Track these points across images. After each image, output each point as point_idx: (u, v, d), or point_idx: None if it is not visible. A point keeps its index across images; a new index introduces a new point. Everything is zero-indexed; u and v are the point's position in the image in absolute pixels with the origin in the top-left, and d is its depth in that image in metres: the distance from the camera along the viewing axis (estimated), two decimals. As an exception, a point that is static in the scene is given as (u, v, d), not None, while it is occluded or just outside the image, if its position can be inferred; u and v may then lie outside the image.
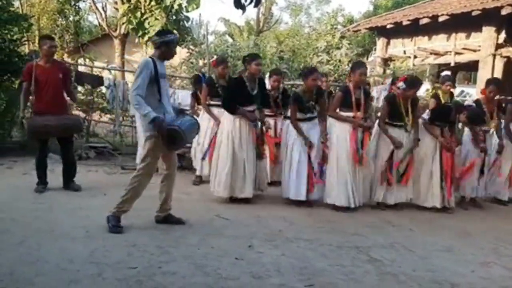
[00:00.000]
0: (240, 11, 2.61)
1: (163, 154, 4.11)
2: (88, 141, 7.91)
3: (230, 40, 20.73)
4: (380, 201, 5.37)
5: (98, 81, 7.70)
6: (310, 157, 5.21)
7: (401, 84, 5.26)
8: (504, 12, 9.24)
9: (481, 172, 5.73)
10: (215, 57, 7.08)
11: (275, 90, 6.06)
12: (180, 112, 4.17)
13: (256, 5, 2.54)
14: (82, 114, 8.22)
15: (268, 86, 5.88)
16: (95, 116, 8.39)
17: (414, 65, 11.93)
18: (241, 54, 10.62)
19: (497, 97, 5.90)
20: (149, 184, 4.09)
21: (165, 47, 3.94)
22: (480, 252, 4.09)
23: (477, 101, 5.99)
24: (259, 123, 5.17)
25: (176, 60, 12.84)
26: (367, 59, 17.43)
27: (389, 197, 5.36)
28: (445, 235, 4.53)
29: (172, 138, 3.81)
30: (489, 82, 5.92)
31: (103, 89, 7.93)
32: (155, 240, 3.76)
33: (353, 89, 5.13)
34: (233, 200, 5.16)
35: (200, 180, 6.08)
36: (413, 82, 5.32)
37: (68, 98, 5.37)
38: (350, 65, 10.81)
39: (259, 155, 5.23)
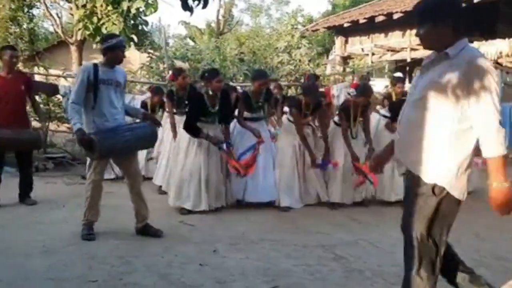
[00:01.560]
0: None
1: (122, 165, 4.04)
2: (45, 152, 7.64)
3: (191, 43, 20.61)
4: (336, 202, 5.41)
5: (53, 89, 7.45)
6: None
7: (352, 90, 5.36)
8: (454, 8, 9.55)
9: None
10: (170, 72, 6.90)
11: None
12: (144, 117, 4.11)
13: (204, 7, 2.50)
14: (38, 124, 7.94)
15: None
16: (53, 125, 8.11)
17: (372, 62, 12.19)
18: (201, 57, 10.58)
19: None
20: (111, 194, 4.00)
21: (110, 52, 3.83)
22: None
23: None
24: (224, 145, 4.96)
25: (136, 66, 12.66)
26: (327, 57, 17.71)
27: (346, 196, 5.42)
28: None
29: (91, 148, 3.70)
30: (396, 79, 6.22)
31: (60, 97, 7.70)
32: (116, 251, 3.65)
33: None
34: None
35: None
36: (364, 89, 5.37)
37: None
38: (310, 64, 11.03)
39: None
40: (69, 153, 7.67)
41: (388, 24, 11.40)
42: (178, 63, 9.01)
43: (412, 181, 2.28)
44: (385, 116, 5.64)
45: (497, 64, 9.82)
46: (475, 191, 6.15)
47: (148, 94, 6.85)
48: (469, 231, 4.51)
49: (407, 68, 13.96)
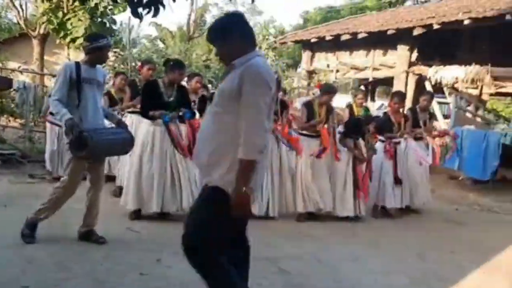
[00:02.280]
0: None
1: (89, 166, 3.89)
2: (-4, 148, 7.35)
3: (161, 44, 20.41)
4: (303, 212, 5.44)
5: (6, 82, 7.19)
6: None
7: (315, 90, 5.47)
8: (415, 32, 9.92)
9: (397, 181, 5.93)
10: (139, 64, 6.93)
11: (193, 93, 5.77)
12: (118, 123, 4.02)
13: (154, 15, 2.49)
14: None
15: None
16: (4, 120, 7.81)
17: (336, 78, 12.45)
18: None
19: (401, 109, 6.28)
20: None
21: (98, 52, 3.78)
22: (385, 260, 4.27)
23: (385, 114, 6.35)
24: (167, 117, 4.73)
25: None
26: (296, 70, 17.95)
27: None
28: (355, 245, 4.68)
29: (80, 145, 3.57)
30: (393, 95, 6.35)
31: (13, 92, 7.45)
32: (55, 256, 3.53)
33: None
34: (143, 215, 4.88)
35: (120, 191, 5.60)
36: (327, 87, 5.56)
37: None
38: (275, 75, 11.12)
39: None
40: (20, 150, 7.40)
41: (353, 43, 11.70)
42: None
43: (204, 188, 2.42)
44: (339, 133, 5.75)
45: (453, 89, 10.24)
46: (421, 209, 6.38)
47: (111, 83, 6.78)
48: (412, 251, 4.62)
49: (370, 87, 14.37)
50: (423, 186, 6.29)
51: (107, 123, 4.14)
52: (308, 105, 5.55)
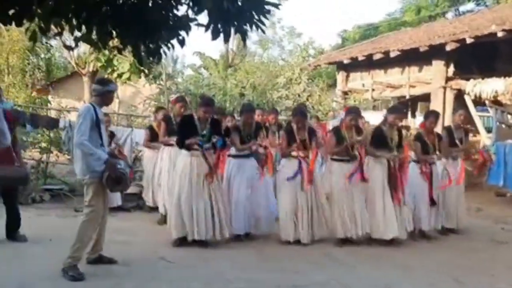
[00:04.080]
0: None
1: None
2: (45, 183, 7.87)
3: (205, 73, 21.10)
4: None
5: (53, 123, 7.78)
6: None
7: (341, 113, 5.51)
8: (448, 48, 9.74)
9: (433, 203, 5.81)
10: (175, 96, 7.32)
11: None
12: (112, 156, 4.33)
13: (158, 62, 2.73)
14: (38, 156, 8.24)
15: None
16: (53, 157, 8.37)
17: (372, 97, 12.37)
18: (203, 91, 10.90)
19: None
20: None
21: (107, 95, 4.20)
22: (418, 286, 4.21)
23: (418, 134, 6.15)
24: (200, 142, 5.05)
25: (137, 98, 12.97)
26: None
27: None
28: (387, 270, 4.62)
29: (118, 180, 3.95)
30: (429, 114, 6.20)
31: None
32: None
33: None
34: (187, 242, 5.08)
35: (164, 219, 5.87)
36: (350, 109, 5.55)
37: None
38: (309, 99, 11.24)
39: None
40: (68, 185, 7.88)
41: (387, 61, 11.62)
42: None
43: None
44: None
45: (494, 102, 9.87)
46: (463, 230, 6.18)
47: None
48: (448, 275, 4.51)
49: (409, 103, 14.11)
50: (459, 206, 6.14)
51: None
52: (335, 130, 5.56)
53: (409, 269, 4.71)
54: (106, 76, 15.39)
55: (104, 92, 4.17)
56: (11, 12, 2.73)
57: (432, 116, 6.04)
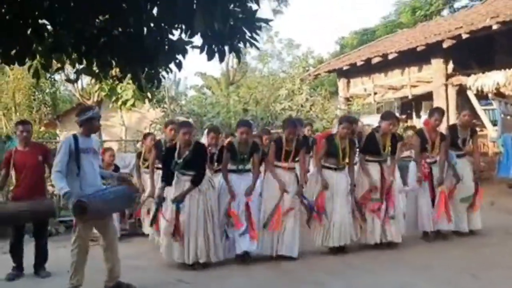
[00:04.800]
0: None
1: (97, 225, 4.27)
2: (59, 215, 7.94)
3: (208, 92, 21.31)
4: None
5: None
6: (249, 207, 5.17)
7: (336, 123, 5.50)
8: (445, 45, 9.79)
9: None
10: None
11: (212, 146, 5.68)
12: (121, 180, 4.39)
13: (157, 87, 2.82)
14: (51, 189, 8.31)
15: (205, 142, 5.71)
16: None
17: (375, 101, 12.42)
18: (207, 110, 11.03)
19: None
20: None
21: (88, 123, 4.21)
22: (436, 285, 4.21)
23: (419, 130, 6.08)
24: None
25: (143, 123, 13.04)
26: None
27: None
28: (404, 271, 4.62)
29: (81, 210, 3.89)
30: (433, 111, 5.97)
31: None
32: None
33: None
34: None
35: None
36: (342, 119, 5.51)
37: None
38: (313, 108, 11.31)
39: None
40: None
41: (386, 64, 11.69)
42: (181, 119, 9.38)
43: None
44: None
45: (497, 94, 9.86)
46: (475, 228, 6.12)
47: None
48: (466, 271, 4.51)
49: (413, 104, 14.13)
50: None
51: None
52: (329, 139, 5.43)
53: (427, 268, 4.71)
54: (111, 104, 15.70)
55: (84, 121, 4.18)
56: (13, 52, 2.85)
57: (436, 113, 5.86)
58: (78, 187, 4.06)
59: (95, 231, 4.51)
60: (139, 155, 6.76)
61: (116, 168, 6.70)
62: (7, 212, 4.89)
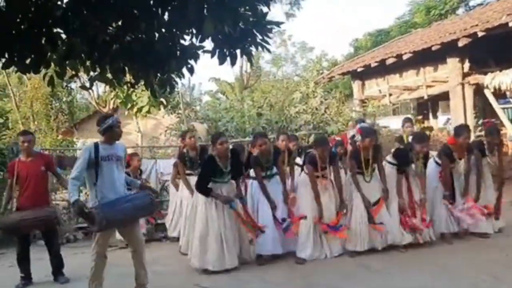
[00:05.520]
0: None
1: (124, 233, 4.33)
2: (77, 222, 8.04)
3: (223, 97, 21.40)
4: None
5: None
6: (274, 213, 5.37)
7: (357, 137, 5.49)
8: (461, 44, 9.63)
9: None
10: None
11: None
12: (142, 187, 4.43)
13: (170, 92, 2.83)
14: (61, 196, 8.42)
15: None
16: (83, 196, 8.56)
17: (390, 102, 12.29)
18: (221, 115, 11.05)
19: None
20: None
21: (109, 131, 4.23)
22: (457, 287, 4.15)
23: (445, 146, 6.02)
24: (237, 202, 5.15)
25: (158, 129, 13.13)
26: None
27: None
28: (424, 274, 4.56)
29: (93, 220, 3.93)
30: (461, 130, 5.84)
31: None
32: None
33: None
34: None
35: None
36: (367, 132, 5.50)
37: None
38: (327, 111, 11.24)
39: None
40: (99, 221, 8.01)
41: (401, 65, 11.55)
42: (196, 125, 9.43)
43: None
44: (390, 163, 5.68)
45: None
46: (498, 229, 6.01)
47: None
48: (487, 273, 4.44)
49: (429, 104, 13.95)
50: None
51: None
52: (354, 155, 5.55)
53: (447, 270, 4.65)
54: (126, 111, 15.88)
55: (105, 130, 4.21)
56: (28, 60, 2.89)
57: (465, 131, 5.78)
58: (95, 196, 4.08)
59: (119, 236, 4.57)
60: (182, 155, 6.41)
61: (140, 172, 6.96)
62: (10, 221, 5.03)
